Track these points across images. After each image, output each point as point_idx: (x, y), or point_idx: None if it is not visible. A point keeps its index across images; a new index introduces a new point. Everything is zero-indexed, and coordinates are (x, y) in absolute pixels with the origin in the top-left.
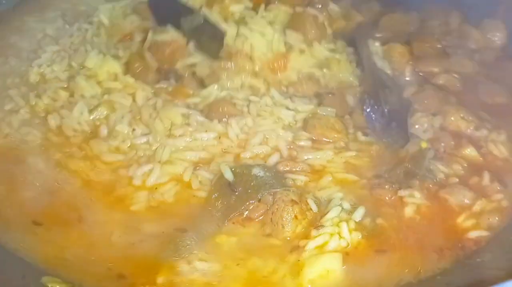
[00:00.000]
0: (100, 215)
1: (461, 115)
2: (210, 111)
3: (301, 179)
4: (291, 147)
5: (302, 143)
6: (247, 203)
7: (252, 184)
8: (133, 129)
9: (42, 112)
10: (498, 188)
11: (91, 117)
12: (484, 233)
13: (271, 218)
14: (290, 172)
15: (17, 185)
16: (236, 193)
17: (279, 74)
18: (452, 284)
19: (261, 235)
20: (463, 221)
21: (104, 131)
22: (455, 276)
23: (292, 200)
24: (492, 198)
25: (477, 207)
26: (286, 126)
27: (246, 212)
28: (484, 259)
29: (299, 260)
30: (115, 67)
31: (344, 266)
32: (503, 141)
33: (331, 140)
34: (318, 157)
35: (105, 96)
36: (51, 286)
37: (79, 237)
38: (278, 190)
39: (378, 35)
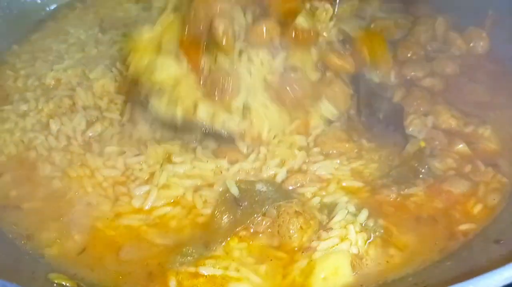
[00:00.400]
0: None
1: (452, 113)
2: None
3: (310, 191)
4: (306, 161)
5: (315, 159)
6: (252, 217)
7: (256, 199)
8: (124, 152)
9: (46, 117)
10: (492, 172)
11: (89, 134)
12: (472, 226)
13: (278, 231)
14: (301, 186)
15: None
16: (241, 207)
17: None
18: (420, 284)
19: (269, 247)
20: (472, 207)
21: (96, 148)
22: (424, 276)
23: (296, 211)
24: (489, 181)
25: (480, 192)
26: (301, 148)
27: (252, 226)
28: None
29: (311, 260)
30: (109, 84)
31: (351, 264)
32: (489, 135)
33: (343, 151)
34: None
35: (98, 113)
36: (58, 282)
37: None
38: (281, 203)
39: None
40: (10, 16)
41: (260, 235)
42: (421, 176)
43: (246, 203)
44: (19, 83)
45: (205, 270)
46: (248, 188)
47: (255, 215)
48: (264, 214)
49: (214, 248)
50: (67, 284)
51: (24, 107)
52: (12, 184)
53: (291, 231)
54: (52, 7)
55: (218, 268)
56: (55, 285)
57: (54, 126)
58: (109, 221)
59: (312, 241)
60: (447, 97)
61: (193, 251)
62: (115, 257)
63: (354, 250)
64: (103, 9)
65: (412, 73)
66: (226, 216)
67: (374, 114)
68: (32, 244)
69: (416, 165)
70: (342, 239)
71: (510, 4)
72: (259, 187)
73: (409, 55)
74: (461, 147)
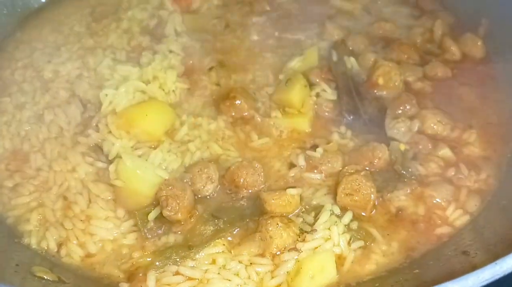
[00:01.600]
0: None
1: (438, 119)
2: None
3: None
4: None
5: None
6: (232, 229)
7: (234, 216)
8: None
9: (42, 109)
10: (474, 176)
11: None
12: (448, 229)
13: (260, 237)
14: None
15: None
16: (222, 221)
17: None
18: None
19: (253, 256)
20: (451, 213)
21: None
22: (391, 281)
23: (271, 216)
24: (471, 186)
25: (462, 197)
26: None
27: (234, 235)
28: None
29: (298, 261)
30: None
31: (336, 263)
32: (474, 140)
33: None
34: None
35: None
36: (39, 275)
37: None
38: (260, 218)
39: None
40: (7, 6)
41: (243, 243)
42: (405, 180)
43: (225, 219)
44: (17, 75)
45: (186, 271)
46: (227, 206)
47: (236, 229)
48: (245, 229)
49: (197, 252)
50: (48, 278)
51: (22, 99)
52: (6, 174)
53: (270, 231)
54: None
55: (199, 270)
56: (36, 278)
57: (48, 117)
58: (81, 223)
59: (297, 242)
60: (436, 101)
61: (176, 253)
62: (90, 259)
63: (337, 250)
64: None
65: (403, 76)
66: (208, 226)
67: (359, 119)
68: (15, 235)
69: (399, 168)
70: (326, 240)
71: (504, 12)
72: (237, 204)
73: (401, 58)
74: (445, 151)
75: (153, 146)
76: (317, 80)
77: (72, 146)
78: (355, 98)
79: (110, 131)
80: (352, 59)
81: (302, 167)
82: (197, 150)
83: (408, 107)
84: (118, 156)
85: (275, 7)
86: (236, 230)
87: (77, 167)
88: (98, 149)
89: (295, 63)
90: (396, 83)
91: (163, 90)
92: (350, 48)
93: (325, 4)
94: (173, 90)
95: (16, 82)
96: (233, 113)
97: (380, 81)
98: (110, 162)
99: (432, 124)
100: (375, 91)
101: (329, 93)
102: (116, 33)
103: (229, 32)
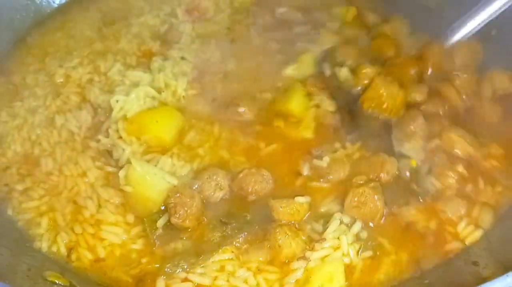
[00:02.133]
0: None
1: (452, 133)
2: None
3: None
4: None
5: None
6: (241, 235)
7: (242, 221)
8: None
9: (53, 113)
10: (489, 191)
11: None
12: (459, 246)
13: (268, 245)
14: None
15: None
16: (229, 227)
17: None
18: None
19: (262, 263)
20: (463, 229)
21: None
22: None
23: (280, 224)
24: (486, 201)
25: (475, 212)
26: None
27: (242, 242)
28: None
29: (307, 269)
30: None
31: (345, 272)
32: (489, 155)
33: None
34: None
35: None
36: (51, 280)
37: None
38: (267, 226)
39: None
40: (20, 11)
41: (251, 251)
42: (420, 197)
43: (234, 224)
44: (29, 80)
45: (195, 277)
46: (235, 212)
47: (244, 234)
48: (253, 234)
49: (205, 259)
50: (60, 282)
51: (33, 103)
52: (17, 177)
53: (279, 240)
54: (63, 1)
55: (208, 277)
56: (48, 283)
57: (59, 121)
58: (90, 227)
59: (306, 251)
60: (454, 116)
61: (184, 260)
62: (99, 263)
63: (346, 260)
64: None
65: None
66: (216, 232)
67: (362, 128)
68: (26, 239)
69: (414, 187)
70: (335, 249)
71: None
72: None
73: (407, 70)
74: (461, 165)
75: (162, 151)
76: (313, 90)
77: (82, 150)
78: (353, 111)
79: (120, 137)
80: (345, 70)
81: (309, 175)
82: (206, 155)
83: (413, 122)
84: (128, 161)
85: (276, 16)
86: (243, 235)
87: (87, 171)
88: (107, 153)
89: (290, 71)
90: (396, 96)
91: (173, 96)
92: (342, 59)
93: (324, 12)
94: (183, 96)
95: (28, 86)
96: (241, 120)
97: (379, 94)
98: (119, 167)
99: (444, 138)
100: (372, 105)
101: (328, 104)
102: (126, 38)
103: (233, 44)
